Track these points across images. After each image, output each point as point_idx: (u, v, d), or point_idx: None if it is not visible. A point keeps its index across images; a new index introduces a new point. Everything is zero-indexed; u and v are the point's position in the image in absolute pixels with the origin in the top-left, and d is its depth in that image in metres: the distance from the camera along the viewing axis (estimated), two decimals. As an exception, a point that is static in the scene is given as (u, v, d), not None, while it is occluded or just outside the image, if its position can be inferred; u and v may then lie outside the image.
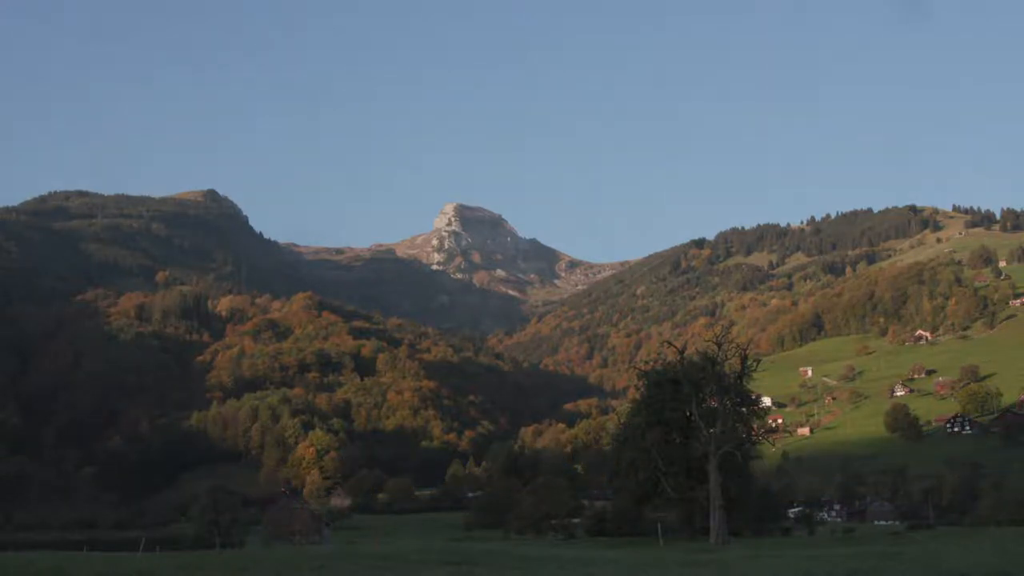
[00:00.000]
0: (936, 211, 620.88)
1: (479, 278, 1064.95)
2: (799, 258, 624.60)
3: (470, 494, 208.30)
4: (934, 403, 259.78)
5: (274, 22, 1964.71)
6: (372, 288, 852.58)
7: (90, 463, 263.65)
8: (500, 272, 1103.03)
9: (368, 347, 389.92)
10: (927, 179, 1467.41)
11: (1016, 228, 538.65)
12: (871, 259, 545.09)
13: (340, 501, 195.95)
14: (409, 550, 48.32)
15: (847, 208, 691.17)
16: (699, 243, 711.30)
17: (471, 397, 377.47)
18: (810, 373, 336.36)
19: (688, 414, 68.46)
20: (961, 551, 43.27)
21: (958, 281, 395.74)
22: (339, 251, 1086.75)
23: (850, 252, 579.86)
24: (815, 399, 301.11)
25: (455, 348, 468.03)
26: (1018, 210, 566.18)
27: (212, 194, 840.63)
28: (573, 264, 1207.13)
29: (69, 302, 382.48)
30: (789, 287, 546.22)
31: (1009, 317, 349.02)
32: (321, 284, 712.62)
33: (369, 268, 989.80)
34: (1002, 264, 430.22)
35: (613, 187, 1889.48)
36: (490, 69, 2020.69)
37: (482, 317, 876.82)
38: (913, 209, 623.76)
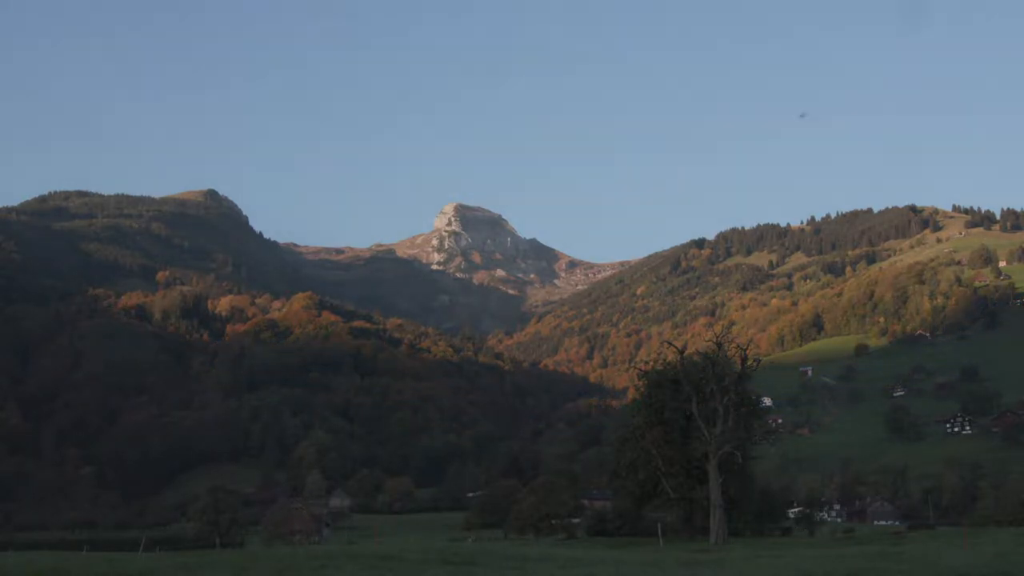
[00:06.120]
0: (936, 211, 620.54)
1: (479, 278, 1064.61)
2: (799, 258, 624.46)
3: (470, 494, 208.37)
4: (934, 403, 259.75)
5: (274, 21, 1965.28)
6: (372, 288, 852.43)
7: (90, 463, 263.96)
8: (500, 272, 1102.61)
9: (368, 347, 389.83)
10: (927, 179, 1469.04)
11: (1016, 228, 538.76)
12: (871, 259, 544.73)
13: (340, 501, 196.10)
14: (409, 550, 48.31)
15: (847, 208, 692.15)
16: (699, 243, 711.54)
17: (471, 397, 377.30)
18: (810, 373, 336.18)
19: (688, 414, 68.47)
20: (961, 551, 43.28)
21: (958, 281, 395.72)
22: (339, 251, 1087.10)
23: (850, 252, 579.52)
24: (815, 399, 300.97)
25: (455, 348, 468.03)
26: (1018, 210, 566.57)
27: (212, 194, 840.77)
28: (573, 264, 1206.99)
29: (69, 302, 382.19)
30: (789, 287, 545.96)
31: (1009, 317, 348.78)
32: (321, 284, 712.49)
33: (369, 268, 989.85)
34: (1002, 264, 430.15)
35: (613, 187, 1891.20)
36: (490, 69, 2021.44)
37: (482, 317, 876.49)
38: (913, 209, 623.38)
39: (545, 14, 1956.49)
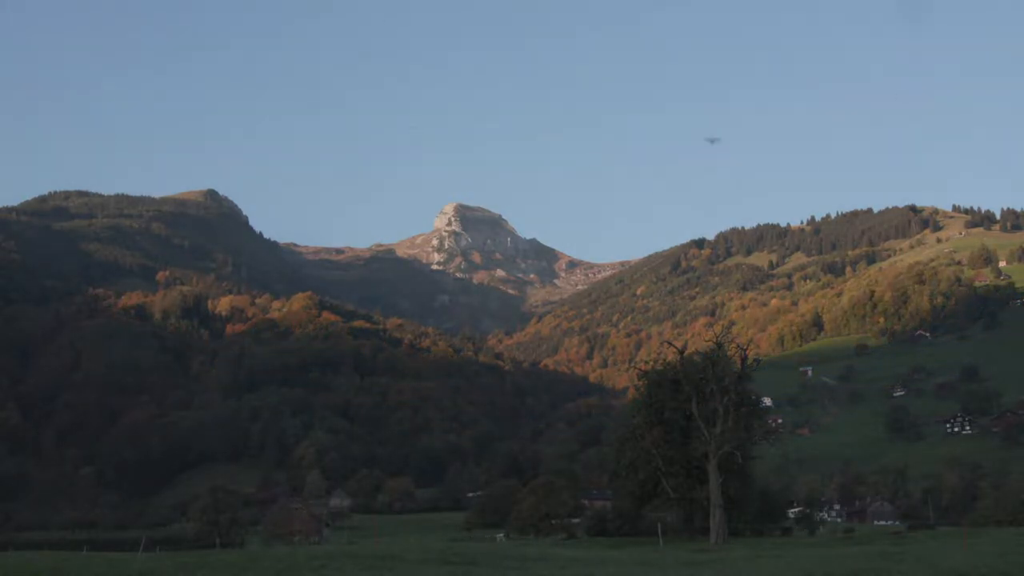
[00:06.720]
0: (936, 211, 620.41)
1: (479, 278, 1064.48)
2: (799, 258, 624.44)
3: (470, 494, 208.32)
4: (934, 403, 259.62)
5: (274, 21, 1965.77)
6: (372, 288, 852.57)
7: (90, 463, 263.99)
8: (500, 272, 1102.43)
9: (368, 347, 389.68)
10: (927, 179, 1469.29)
11: (1016, 228, 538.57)
12: (871, 259, 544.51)
13: (340, 501, 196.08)
14: (409, 550, 48.31)
15: (847, 208, 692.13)
16: (699, 243, 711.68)
17: (471, 397, 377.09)
18: (810, 373, 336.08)
19: (688, 414, 68.45)
20: (961, 551, 43.26)
21: (958, 281, 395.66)
22: (339, 251, 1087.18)
23: (850, 252, 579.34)
24: (815, 399, 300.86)
25: (455, 348, 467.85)
26: (1018, 210, 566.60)
27: (212, 194, 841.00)
28: (573, 264, 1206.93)
29: (69, 302, 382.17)
30: (789, 287, 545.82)
31: (1009, 317, 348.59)
32: (321, 284, 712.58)
33: (369, 268, 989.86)
34: (1002, 264, 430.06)
35: (613, 187, 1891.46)
36: (490, 69, 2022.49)
37: (482, 317, 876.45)
38: (913, 209, 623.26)
39: (544, 14, 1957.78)
